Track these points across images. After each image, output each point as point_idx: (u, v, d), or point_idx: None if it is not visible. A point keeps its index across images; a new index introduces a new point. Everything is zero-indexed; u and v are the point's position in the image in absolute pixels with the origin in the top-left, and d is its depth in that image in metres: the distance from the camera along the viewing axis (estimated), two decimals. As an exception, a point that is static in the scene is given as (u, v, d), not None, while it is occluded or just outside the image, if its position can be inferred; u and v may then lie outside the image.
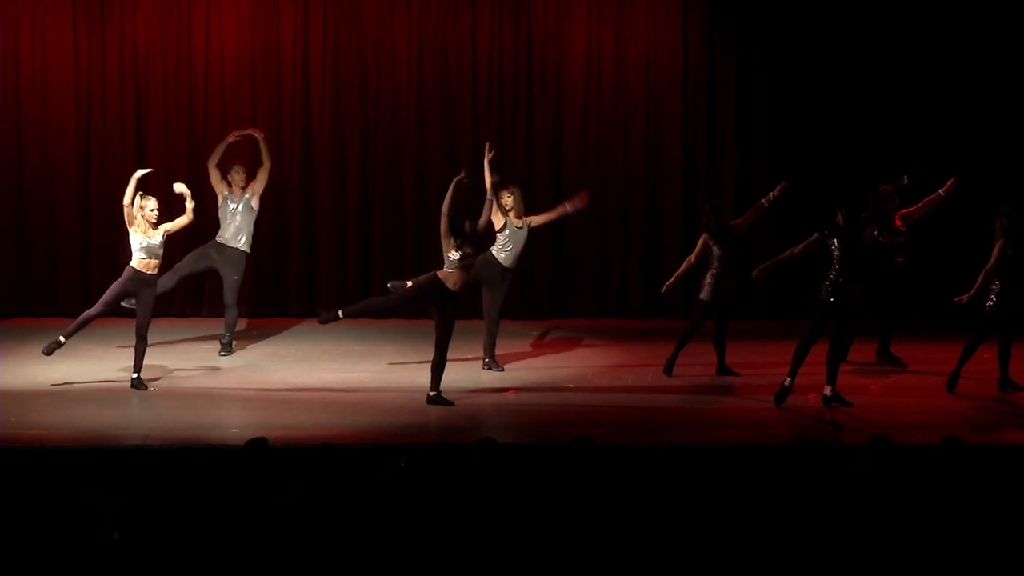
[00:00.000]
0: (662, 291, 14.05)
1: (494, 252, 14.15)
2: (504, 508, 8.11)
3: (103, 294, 13.34)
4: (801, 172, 16.78)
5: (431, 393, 12.51)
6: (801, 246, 12.62)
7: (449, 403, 12.48)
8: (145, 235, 13.05)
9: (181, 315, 17.21)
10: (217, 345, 15.11)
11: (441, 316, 12.61)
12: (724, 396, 13.04)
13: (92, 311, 13.27)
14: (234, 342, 15.18)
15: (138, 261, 13.09)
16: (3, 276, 17.68)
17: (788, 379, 12.40)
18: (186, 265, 15.09)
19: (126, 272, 13.17)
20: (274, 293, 17.95)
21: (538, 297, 18.08)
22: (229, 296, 15.04)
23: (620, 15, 17.96)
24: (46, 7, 17.70)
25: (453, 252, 12.59)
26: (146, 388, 13.10)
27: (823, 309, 12.44)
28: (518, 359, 14.85)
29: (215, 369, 14.26)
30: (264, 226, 17.69)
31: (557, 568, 7.73)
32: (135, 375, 13.13)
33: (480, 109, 18.03)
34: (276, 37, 17.93)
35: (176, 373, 13.94)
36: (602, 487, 8.40)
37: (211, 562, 7.75)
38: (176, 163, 17.69)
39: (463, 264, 12.62)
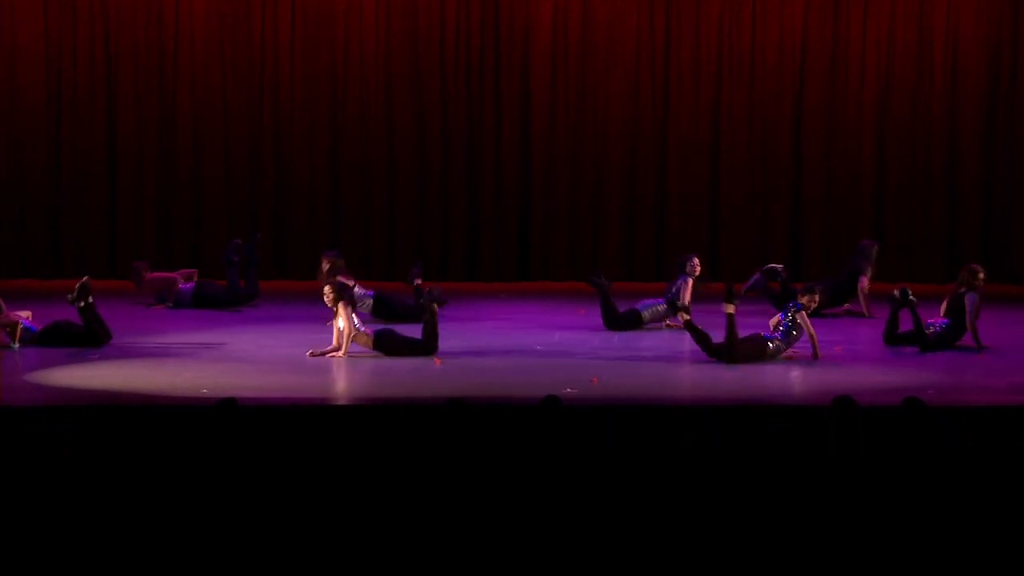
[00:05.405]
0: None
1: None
2: (473, 468, 8.19)
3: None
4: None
5: None
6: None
7: None
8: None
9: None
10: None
11: None
12: (689, 358, 13.11)
13: None
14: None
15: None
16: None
17: None
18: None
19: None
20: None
21: (506, 259, 18.16)
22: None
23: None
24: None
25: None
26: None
27: None
28: (487, 321, 14.93)
29: (186, 332, 14.32)
30: (235, 189, 17.89)
31: (524, 527, 7.82)
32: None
33: (448, 70, 18.07)
34: (245, 2, 17.94)
35: (149, 337, 13.98)
36: (570, 447, 8.49)
37: (181, 518, 7.82)
38: (147, 130, 17.79)
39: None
